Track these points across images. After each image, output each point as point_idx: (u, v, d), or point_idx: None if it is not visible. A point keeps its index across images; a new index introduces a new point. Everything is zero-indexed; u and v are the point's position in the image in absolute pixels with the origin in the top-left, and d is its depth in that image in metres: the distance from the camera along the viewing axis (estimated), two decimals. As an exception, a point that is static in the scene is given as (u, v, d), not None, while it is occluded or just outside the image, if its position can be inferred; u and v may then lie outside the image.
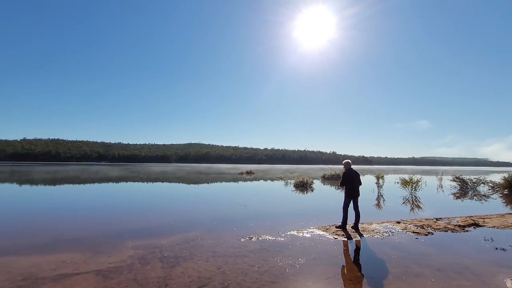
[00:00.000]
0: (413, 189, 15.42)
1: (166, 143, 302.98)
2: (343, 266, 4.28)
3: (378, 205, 11.02)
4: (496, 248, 5.19)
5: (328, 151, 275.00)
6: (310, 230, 6.43)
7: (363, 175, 33.57)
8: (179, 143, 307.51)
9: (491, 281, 3.68)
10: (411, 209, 10.03)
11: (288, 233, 6.15)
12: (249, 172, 38.13)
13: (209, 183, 22.02)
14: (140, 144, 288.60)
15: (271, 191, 16.71)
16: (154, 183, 21.32)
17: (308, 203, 11.62)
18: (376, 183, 18.34)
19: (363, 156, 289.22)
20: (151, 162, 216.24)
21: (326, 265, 4.27)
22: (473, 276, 3.87)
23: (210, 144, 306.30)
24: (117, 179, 24.18)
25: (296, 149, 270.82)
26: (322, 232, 6.23)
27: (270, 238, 5.74)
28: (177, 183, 21.52)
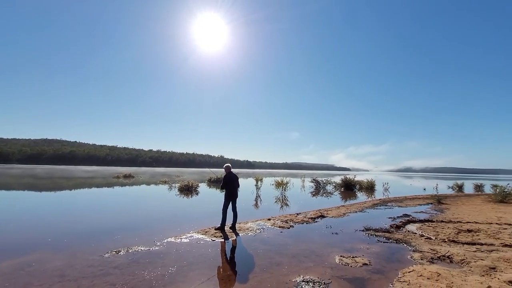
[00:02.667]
0: (284, 190, 18.13)
1: (4, 137, 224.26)
2: (218, 267, 4.39)
3: (256, 205, 12.20)
4: (332, 233, 6.81)
5: (216, 155, 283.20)
6: (189, 234, 6.27)
7: (246, 178, 36.65)
8: (27, 138, 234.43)
9: (326, 260, 4.75)
10: (281, 207, 11.69)
11: (165, 240, 5.75)
12: (127, 176, 33.70)
13: (72, 190, 17.78)
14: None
15: (152, 196, 15.34)
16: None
17: (191, 207, 11.40)
18: (255, 185, 20.34)
19: (247, 160, 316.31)
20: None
21: (201, 268, 4.24)
22: (316, 257, 4.87)
23: (77, 141, 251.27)
24: None
25: (185, 152, 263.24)
26: (201, 236, 6.21)
27: (143, 249, 5.17)
28: (15, 191, 16.11)
